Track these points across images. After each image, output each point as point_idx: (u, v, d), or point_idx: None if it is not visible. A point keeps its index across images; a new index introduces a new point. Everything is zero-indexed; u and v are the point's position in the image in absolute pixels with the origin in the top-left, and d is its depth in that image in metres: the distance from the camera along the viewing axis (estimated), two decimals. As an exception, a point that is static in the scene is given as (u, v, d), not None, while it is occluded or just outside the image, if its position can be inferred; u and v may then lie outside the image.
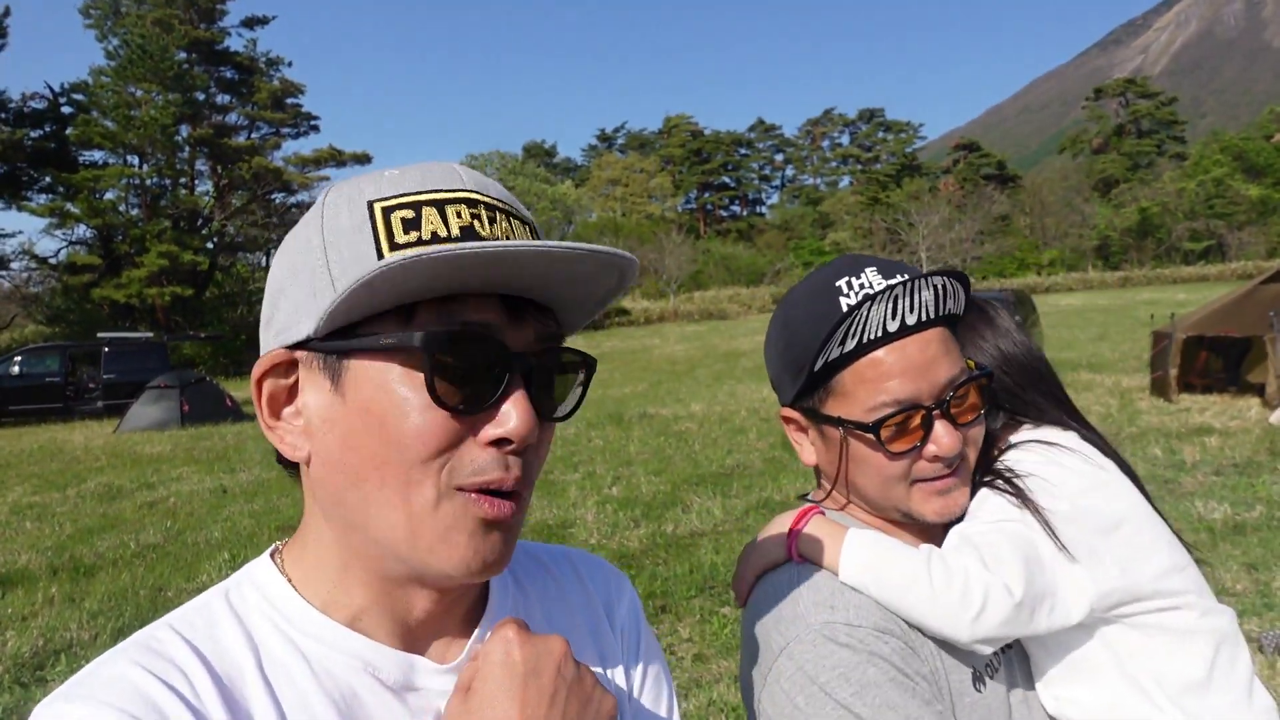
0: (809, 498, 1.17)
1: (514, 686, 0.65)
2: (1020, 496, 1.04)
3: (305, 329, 0.67)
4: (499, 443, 0.67)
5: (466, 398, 0.66)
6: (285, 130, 46.47)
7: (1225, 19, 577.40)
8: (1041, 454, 1.09)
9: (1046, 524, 1.01)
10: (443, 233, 0.67)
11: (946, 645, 0.98)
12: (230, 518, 8.84)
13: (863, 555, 0.99)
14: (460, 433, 0.67)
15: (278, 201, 42.62)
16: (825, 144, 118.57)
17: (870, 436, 1.00)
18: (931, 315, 1.00)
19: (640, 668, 0.90)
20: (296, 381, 0.70)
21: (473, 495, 0.67)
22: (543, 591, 0.88)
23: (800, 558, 1.03)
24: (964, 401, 1.02)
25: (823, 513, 1.07)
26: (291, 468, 0.75)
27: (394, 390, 0.66)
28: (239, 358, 33.88)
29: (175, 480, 11.20)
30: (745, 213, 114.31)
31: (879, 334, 0.99)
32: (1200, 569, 1.10)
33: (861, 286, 1.01)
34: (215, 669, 0.67)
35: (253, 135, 44.94)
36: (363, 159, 45.30)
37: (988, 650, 0.99)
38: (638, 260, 0.71)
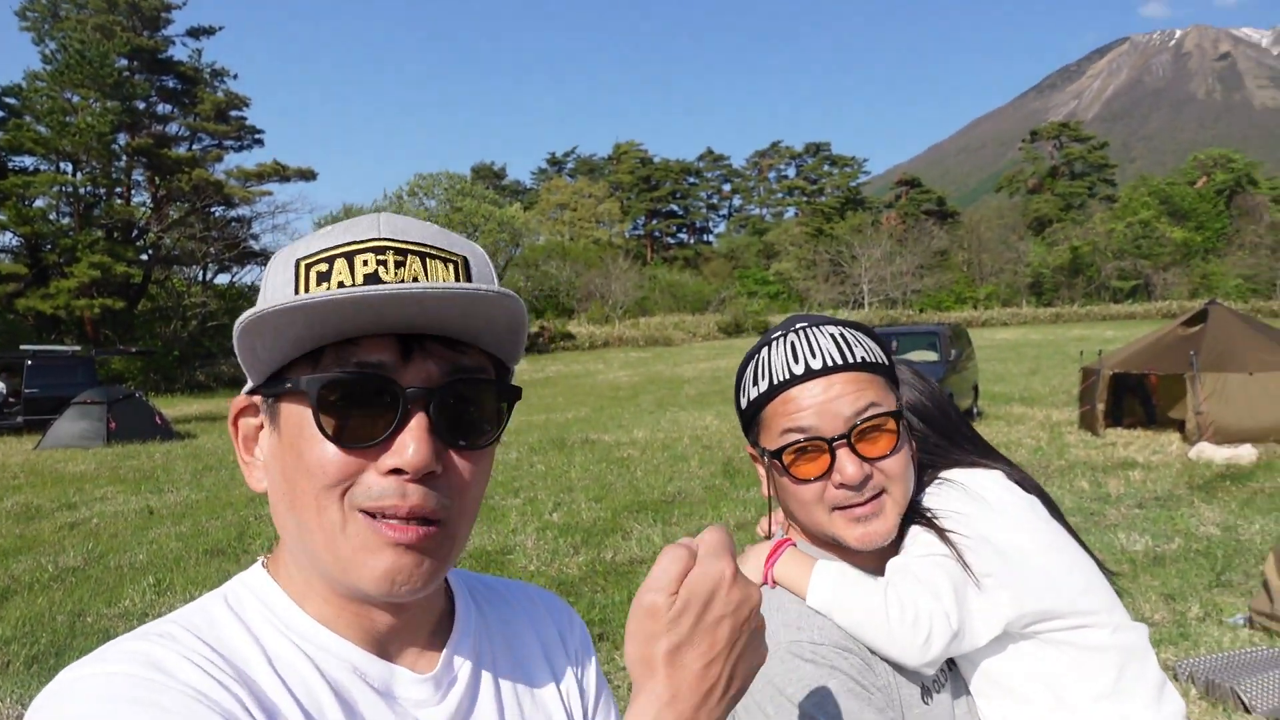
0: (775, 533, 1.28)
1: (713, 621, 0.68)
2: (937, 531, 1.13)
3: (253, 377, 0.78)
4: (397, 471, 0.72)
5: (351, 432, 0.72)
6: (228, 143, 45.51)
7: (1154, 69, 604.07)
8: (960, 491, 1.17)
9: (960, 556, 1.10)
10: (348, 281, 0.72)
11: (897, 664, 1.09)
12: (156, 540, 8.55)
13: (828, 584, 1.09)
14: (359, 464, 0.73)
15: (217, 215, 41.59)
16: (772, 175, 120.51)
17: (778, 463, 1.13)
18: (838, 361, 1.12)
19: (593, 694, 0.97)
20: (261, 424, 0.81)
21: (375, 519, 0.73)
22: (501, 617, 0.95)
23: (774, 583, 1.13)
24: (874, 435, 1.10)
25: (794, 545, 1.17)
26: None
27: (304, 427, 0.74)
28: (171, 374, 32.88)
29: (99, 500, 10.78)
30: (692, 241, 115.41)
31: (787, 375, 1.12)
32: (1117, 593, 1.19)
33: (776, 336, 1.19)
34: (226, 656, 0.73)
35: (194, 147, 43.88)
36: (307, 175, 44.60)
37: (931, 671, 1.10)
38: (513, 296, 0.73)
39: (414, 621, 0.83)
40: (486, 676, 0.87)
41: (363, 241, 0.75)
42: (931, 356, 14.47)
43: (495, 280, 0.82)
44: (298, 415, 0.74)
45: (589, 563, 7.28)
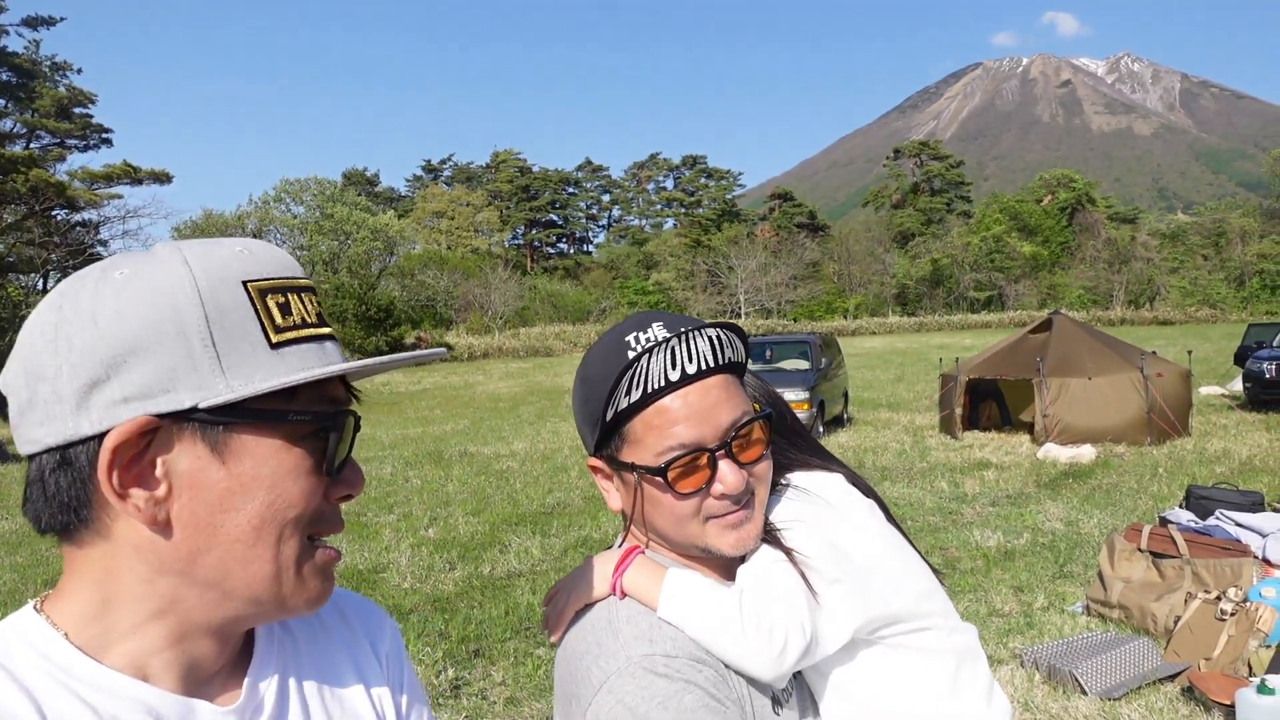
0: (621, 542, 1.21)
1: None
2: (777, 541, 1.12)
3: (184, 400, 0.70)
4: (345, 498, 0.81)
5: (338, 464, 0.79)
6: (71, 142, 42.64)
7: (1004, 94, 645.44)
8: (805, 496, 1.17)
9: (808, 564, 1.09)
10: (308, 318, 0.78)
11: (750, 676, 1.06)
12: (-12, 572, 7.87)
13: (680, 594, 1.05)
14: (322, 494, 0.78)
15: (60, 219, 38.82)
16: (650, 187, 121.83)
17: (659, 480, 1.06)
18: (710, 364, 1.07)
19: (404, 698, 0.97)
20: (148, 447, 0.71)
21: (320, 546, 0.80)
22: (308, 631, 0.93)
23: (623, 594, 1.08)
24: (747, 441, 1.08)
25: (644, 553, 1.12)
26: (61, 530, 0.74)
27: (283, 458, 0.74)
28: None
29: (-79, 530, 9.84)
30: (572, 251, 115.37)
31: (662, 383, 1.05)
32: (963, 593, 1.24)
33: (647, 340, 1.08)
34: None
35: (32, 145, 40.89)
36: (162, 177, 42.13)
37: (781, 685, 1.08)
38: (445, 353, 0.86)
39: (233, 651, 0.83)
40: (294, 699, 0.85)
41: (297, 278, 0.79)
42: (804, 365, 14.95)
43: None
44: (269, 445, 0.74)
45: (465, 578, 7.15)
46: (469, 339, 48.34)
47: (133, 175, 41.04)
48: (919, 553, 1.23)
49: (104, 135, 44.33)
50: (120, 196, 41.17)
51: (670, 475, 1.05)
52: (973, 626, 1.20)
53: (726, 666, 1.05)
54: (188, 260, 0.72)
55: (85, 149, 43.96)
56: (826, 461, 1.27)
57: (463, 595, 6.71)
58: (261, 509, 0.73)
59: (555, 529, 8.68)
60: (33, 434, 0.71)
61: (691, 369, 1.05)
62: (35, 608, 0.76)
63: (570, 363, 39.88)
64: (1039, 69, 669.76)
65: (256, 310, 0.73)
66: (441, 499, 10.45)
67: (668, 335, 1.07)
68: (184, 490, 0.72)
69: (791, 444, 1.25)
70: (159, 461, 0.71)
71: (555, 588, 1.17)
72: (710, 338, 1.08)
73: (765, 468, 1.12)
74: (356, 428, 0.82)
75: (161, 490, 0.71)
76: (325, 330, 0.79)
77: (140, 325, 0.69)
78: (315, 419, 0.76)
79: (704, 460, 1.05)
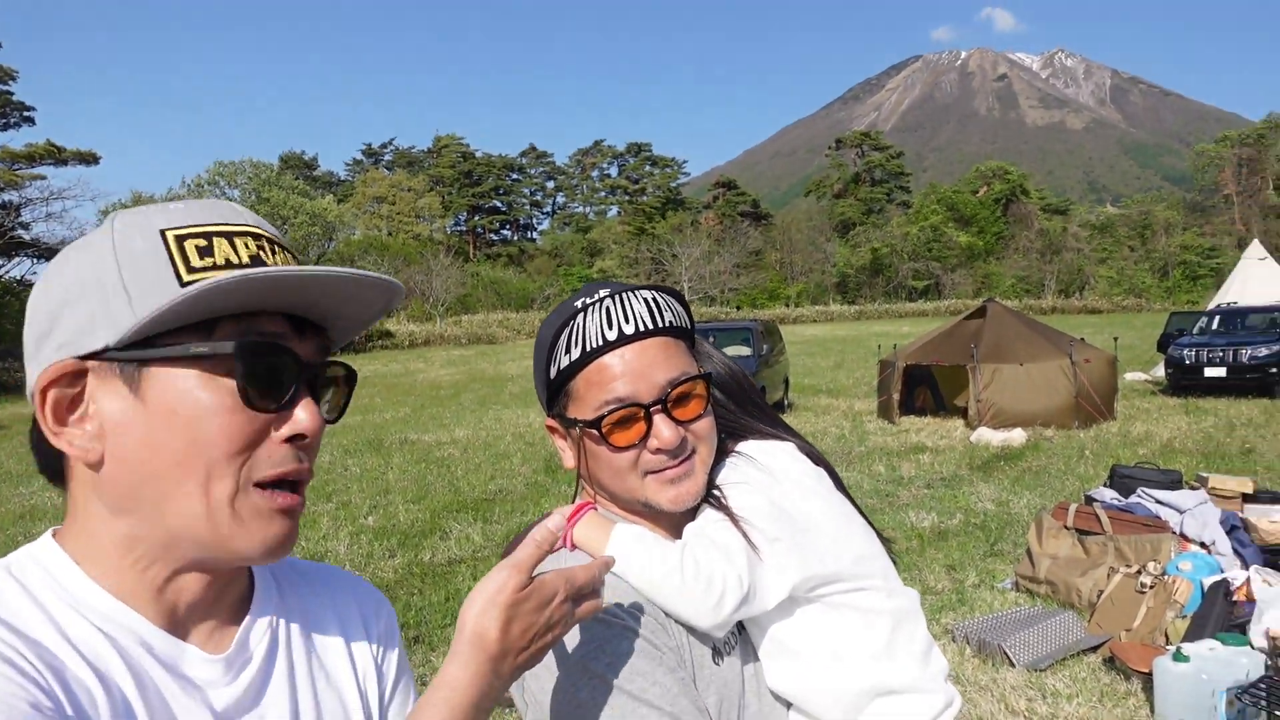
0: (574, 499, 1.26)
1: (540, 617, 0.86)
2: (720, 502, 1.16)
3: (100, 340, 0.74)
4: (293, 439, 0.79)
5: (269, 400, 0.77)
6: (-9, 120, 40.80)
7: (943, 86, 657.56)
8: (754, 460, 1.21)
9: (751, 522, 1.13)
10: (235, 260, 0.77)
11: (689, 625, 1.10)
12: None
13: (625, 546, 1.09)
14: (260, 432, 0.77)
15: (-22, 200, 37.18)
16: (595, 174, 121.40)
17: (595, 432, 1.11)
18: (649, 325, 1.12)
19: (391, 679, 1.00)
20: (83, 390, 0.75)
21: (268, 490, 0.78)
22: (302, 598, 0.95)
23: (573, 546, 1.12)
24: (686, 399, 1.13)
25: (596, 509, 1.16)
26: (50, 472, 0.81)
27: (199, 395, 0.74)
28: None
29: None
30: (516, 237, 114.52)
31: (600, 342, 1.10)
32: (898, 565, 1.28)
33: (588, 303, 1.13)
34: (14, 626, 0.71)
35: (-52, 123, 39.03)
36: (88, 158, 40.63)
37: (722, 633, 1.12)
38: (403, 286, 0.83)
39: (222, 595, 0.84)
40: (281, 657, 0.87)
41: (237, 225, 0.79)
42: (745, 351, 15.08)
43: None
44: (185, 381, 0.74)
45: (405, 565, 7.08)
46: (410, 326, 47.66)
47: (57, 155, 39.48)
48: (866, 519, 1.27)
49: (25, 114, 42.53)
50: (44, 178, 39.53)
51: (605, 428, 1.10)
52: (915, 591, 1.24)
53: (667, 616, 1.09)
54: (114, 224, 0.77)
55: (5, 128, 42.11)
56: (779, 430, 1.31)
57: (402, 583, 6.64)
58: (183, 446, 0.74)
59: (497, 515, 8.64)
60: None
61: (629, 329, 1.11)
62: (52, 535, 0.81)
63: (513, 350, 39.62)
64: (977, 63, 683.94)
65: (170, 254, 0.75)
66: (381, 487, 10.31)
67: (605, 295, 1.13)
68: (113, 429, 0.75)
69: (747, 413, 1.29)
70: (89, 401, 0.75)
71: (511, 543, 1.20)
72: (646, 299, 1.14)
73: (705, 426, 1.16)
74: (310, 366, 0.81)
75: (92, 428, 0.75)
76: (247, 271, 0.75)
77: (72, 280, 0.76)
78: (236, 351, 0.74)
79: (640, 415, 1.10)
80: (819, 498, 1.20)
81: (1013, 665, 4.72)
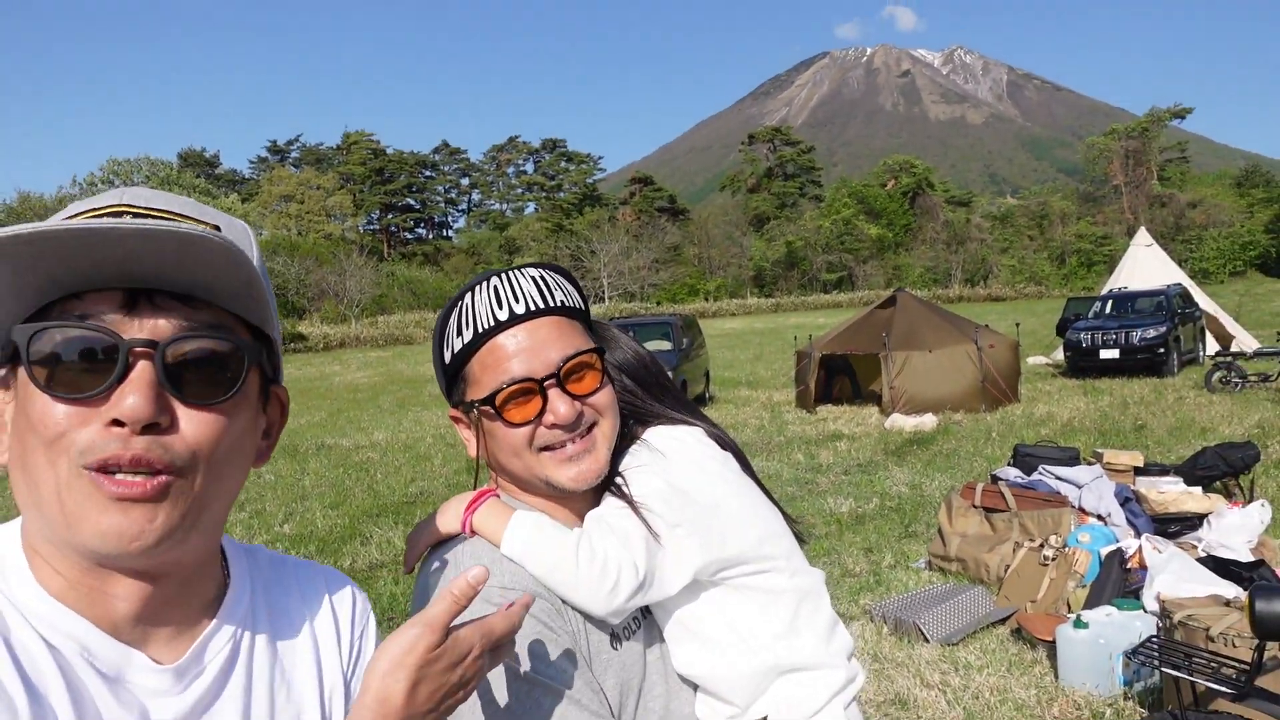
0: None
1: (453, 675, 0.83)
2: (620, 490, 1.17)
3: None
4: (117, 423, 0.71)
5: (68, 384, 0.71)
6: None
7: (850, 82, 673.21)
8: (659, 445, 1.22)
9: (650, 508, 1.14)
10: (100, 210, 0.76)
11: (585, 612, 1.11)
12: None
13: (522, 533, 1.09)
14: (81, 416, 0.71)
15: None
16: (510, 171, 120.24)
17: (490, 409, 1.11)
18: (539, 304, 1.13)
19: (355, 678, 0.97)
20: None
21: (98, 475, 0.71)
22: (275, 601, 0.91)
23: (472, 531, 1.12)
24: (580, 372, 1.13)
25: (498, 496, 1.16)
26: None
27: (29, 385, 0.73)
28: None
29: None
30: (431, 236, 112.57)
31: (491, 323, 1.11)
32: (803, 545, 1.30)
33: (477, 283, 1.15)
34: None
35: None
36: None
37: (619, 620, 1.13)
38: (227, 241, 0.72)
39: (168, 602, 0.79)
40: (240, 668, 0.83)
41: (101, 207, 0.76)
42: (666, 346, 15.21)
43: (256, 256, 0.81)
44: (24, 375, 0.74)
45: (325, 572, 6.92)
46: (324, 328, 46.42)
47: (-69, 155, 37.05)
48: (773, 501, 1.29)
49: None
50: (-84, 179, 37.11)
51: (499, 403, 1.10)
52: (819, 571, 1.27)
53: (564, 602, 1.10)
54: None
55: None
56: (688, 415, 1.31)
57: (323, 590, 6.50)
58: (28, 435, 0.74)
59: (419, 518, 8.47)
60: None
61: (520, 309, 1.11)
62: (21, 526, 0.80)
63: (431, 351, 38.90)
64: (881, 59, 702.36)
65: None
66: (297, 493, 10.05)
67: (490, 273, 1.14)
68: (10, 429, 0.77)
69: (655, 398, 1.29)
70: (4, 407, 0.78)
71: (414, 528, 1.20)
72: (533, 278, 1.14)
73: (604, 398, 1.16)
74: (140, 345, 0.73)
75: (7, 437, 0.78)
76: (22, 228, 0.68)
77: None
78: (19, 336, 0.73)
79: (535, 390, 1.10)
80: (723, 481, 1.22)
81: (927, 641, 4.90)
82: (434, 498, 9.42)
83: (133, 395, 0.71)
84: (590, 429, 1.15)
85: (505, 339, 1.12)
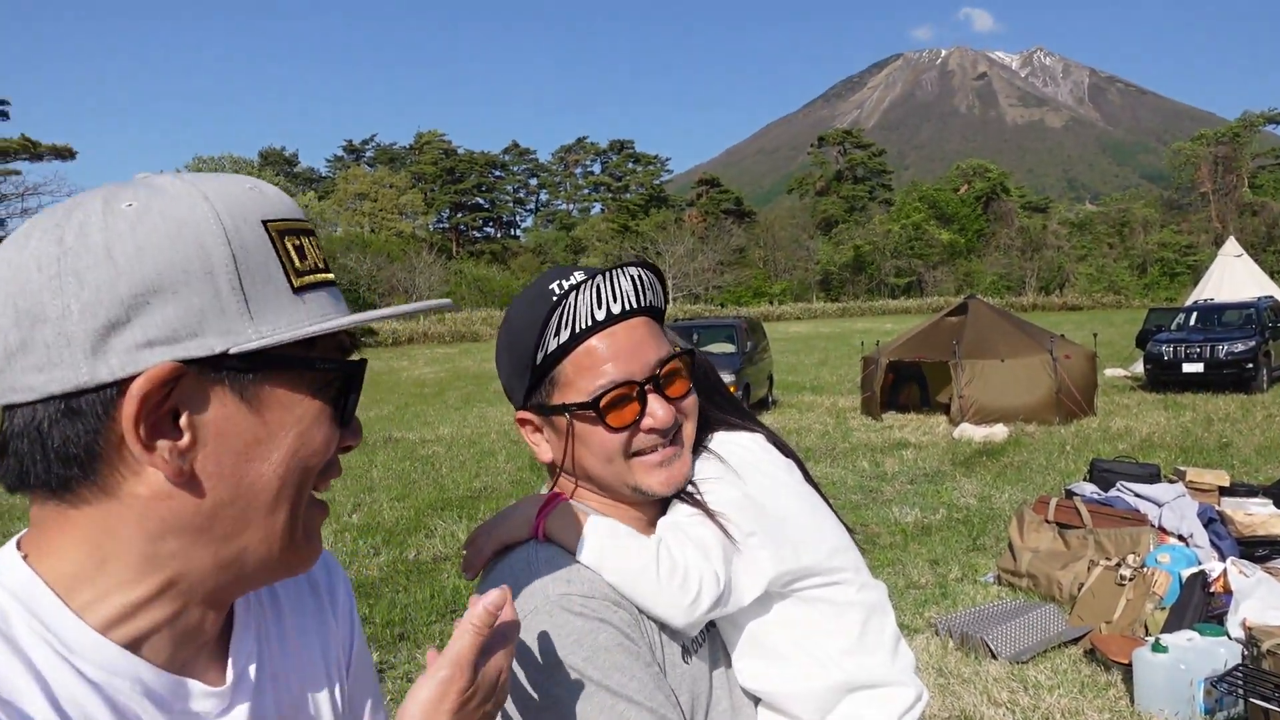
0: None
1: (487, 702, 0.81)
2: (694, 497, 1.14)
3: (212, 345, 0.65)
4: (344, 449, 0.76)
5: (347, 415, 0.76)
6: (-36, 116, 40.23)
7: (924, 85, 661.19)
8: (725, 454, 1.19)
9: (725, 518, 1.11)
10: (319, 264, 0.74)
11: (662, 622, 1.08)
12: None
13: (600, 540, 1.07)
14: (336, 443, 0.75)
15: (-48, 195, 36.65)
16: (578, 171, 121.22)
17: (592, 413, 1.08)
18: (634, 304, 1.10)
19: (356, 647, 0.96)
20: (171, 394, 0.65)
21: (318, 504, 0.76)
22: (270, 596, 0.88)
23: (544, 537, 1.09)
24: (674, 377, 1.12)
25: (568, 500, 1.14)
26: (54, 485, 0.66)
27: (307, 408, 0.70)
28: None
29: None
30: (499, 235, 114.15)
31: (589, 323, 1.07)
32: (865, 557, 1.26)
33: (570, 284, 1.10)
34: (8, 701, 0.62)
35: (-79, 118, 38.49)
36: (64, 153, 40.20)
37: (694, 632, 1.11)
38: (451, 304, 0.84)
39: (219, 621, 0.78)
40: (268, 675, 0.82)
41: (305, 221, 0.76)
42: (730, 348, 15.13)
43: None
44: (296, 393, 0.70)
45: (390, 563, 7.06)
46: (393, 324, 47.42)
47: (32, 150, 39.03)
48: (834, 511, 1.26)
49: (0, 108, 41.94)
50: (18, 173, 39.18)
51: (602, 407, 1.07)
52: (882, 583, 1.23)
53: (640, 612, 1.07)
54: (208, 196, 0.67)
55: (-22, 123, 41.52)
56: (747, 421, 1.28)
57: (387, 580, 6.63)
58: (288, 457, 0.69)
59: (482, 513, 8.62)
60: (26, 380, 0.63)
61: (617, 309, 1.09)
62: (23, 557, 0.68)
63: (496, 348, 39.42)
64: (957, 61, 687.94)
65: (278, 252, 0.69)
66: (365, 485, 10.28)
67: (594, 274, 1.10)
68: (209, 440, 0.66)
69: (714, 403, 1.27)
70: (182, 409, 0.65)
71: (477, 530, 1.17)
72: (632, 277, 1.11)
73: (692, 403, 1.15)
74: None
75: (185, 440, 0.65)
76: (331, 275, 0.75)
77: (165, 263, 0.63)
78: (339, 367, 0.73)
79: (634, 394, 1.08)
80: (791, 490, 1.19)
81: (995, 658, 4.77)
82: (498, 494, 9.54)
83: (357, 421, 0.79)
84: (678, 433, 1.13)
85: (600, 341, 1.09)
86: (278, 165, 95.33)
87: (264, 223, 0.69)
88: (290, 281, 0.69)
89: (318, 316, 0.70)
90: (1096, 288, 67.30)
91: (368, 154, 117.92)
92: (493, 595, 0.81)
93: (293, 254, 0.70)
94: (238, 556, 0.70)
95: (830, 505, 1.27)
